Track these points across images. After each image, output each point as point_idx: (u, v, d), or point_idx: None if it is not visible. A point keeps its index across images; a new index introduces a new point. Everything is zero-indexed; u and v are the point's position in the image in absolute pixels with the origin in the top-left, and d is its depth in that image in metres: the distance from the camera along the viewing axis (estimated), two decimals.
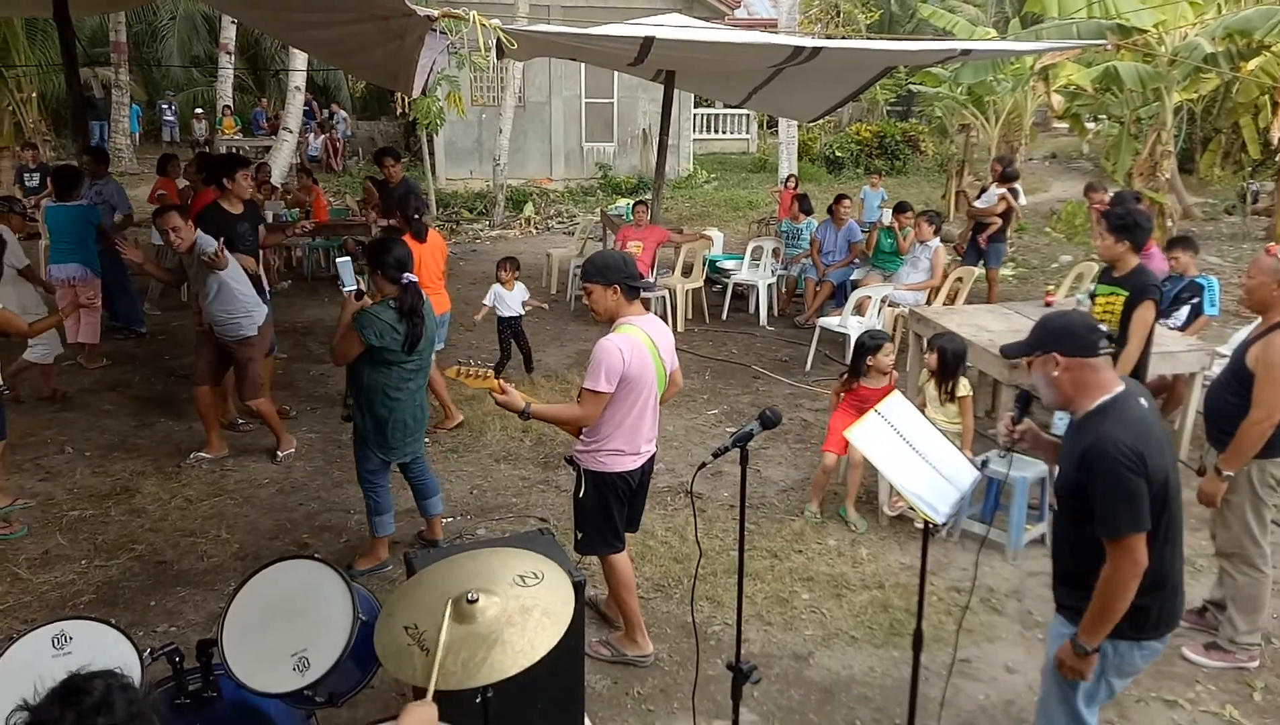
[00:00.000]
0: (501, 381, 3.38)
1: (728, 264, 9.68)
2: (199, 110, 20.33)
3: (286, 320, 8.60)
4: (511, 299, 7.12)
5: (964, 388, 4.79)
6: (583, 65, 16.13)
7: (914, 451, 2.89)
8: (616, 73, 16.55)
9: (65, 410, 6.31)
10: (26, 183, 11.63)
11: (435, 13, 4.76)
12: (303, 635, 2.47)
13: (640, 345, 3.40)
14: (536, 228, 14.48)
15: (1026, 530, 4.68)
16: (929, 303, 7.65)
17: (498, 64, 15.65)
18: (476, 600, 2.25)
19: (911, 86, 18.07)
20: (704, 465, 2.81)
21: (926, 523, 2.89)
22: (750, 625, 3.97)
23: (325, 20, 5.43)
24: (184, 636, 3.74)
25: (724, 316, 9.11)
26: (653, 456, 3.68)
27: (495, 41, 5.39)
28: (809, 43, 6.72)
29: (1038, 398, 2.73)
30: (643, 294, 3.60)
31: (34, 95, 16.14)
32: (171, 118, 21.37)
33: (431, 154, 15.60)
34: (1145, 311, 4.34)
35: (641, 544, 4.64)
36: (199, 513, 4.94)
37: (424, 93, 11.55)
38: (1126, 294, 4.39)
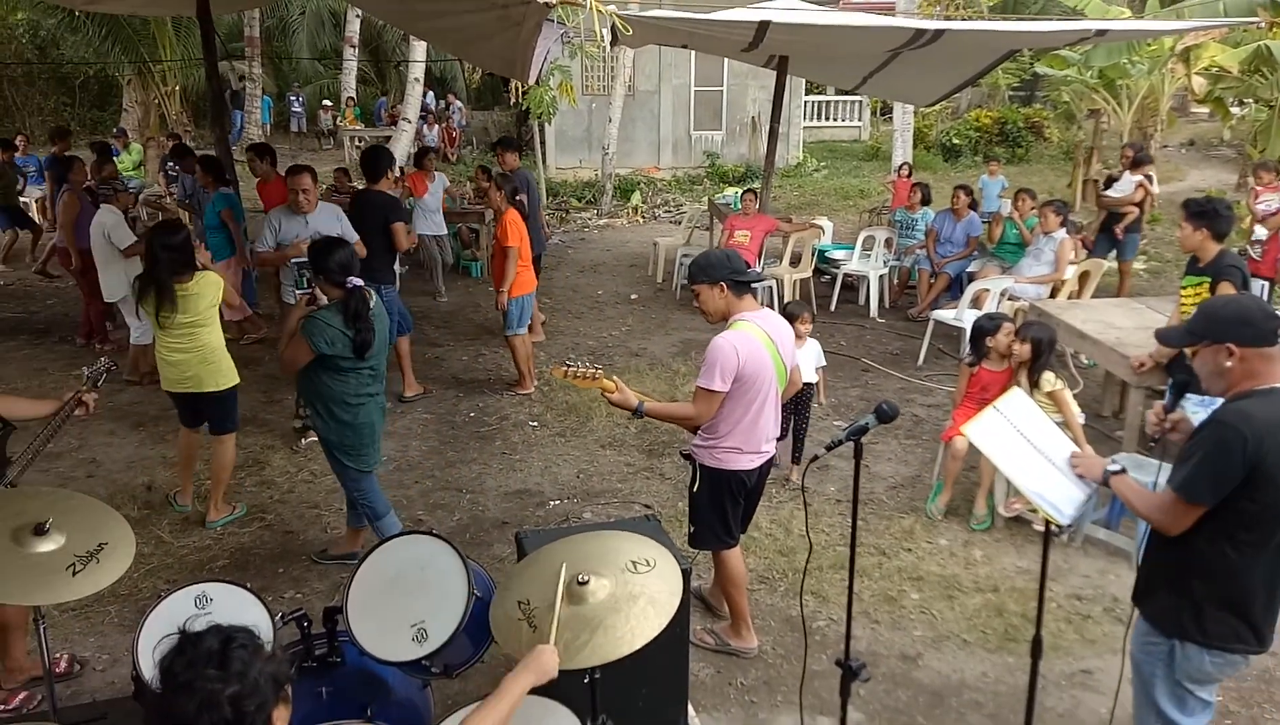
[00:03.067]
0: (616, 380, 3.35)
1: (837, 254, 9.49)
2: (325, 102, 21.23)
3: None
4: (806, 357, 5.27)
5: (1049, 381, 4.56)
6: (692, 53, 16.07)
7: (1036, 449, 2.77)
8: (726, 60, 16.43)
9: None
10: (169, 172, 12.40)
11: (553, 0, 4.82)
12: (421, 607, 2.56)
13: (756, 342, 3.32)
14: (643, 217, 14.54)
15: None
16: (1052, 297, 7.31)
17: (608, 53, 15.78)
18: (587, 582, 2.29)
19: (1037, 70, 17.21)
20: (816, 458, 2.77)
21: (1048, 525, 2.77)
22: (857, 623, 3.89)
23: (448, 9, 5.57)
24: (309, 603, 3.94)
25: (832, 307, 8.94)
26: (772, 458, 3.61)
27: (610, 27, 5.42)
28: (932, 25, 6.50)
29: (1196, 386, 2.58)
30: (754, 286, 3.55)
31: (177, 89, 17.19)
32: (299, 109, 22.39)
33: (542, 143, 15.85)
34: (1224, 291, 4.19)
35: (746, 535, 4.58)
36: (322, 486, 5.18)
37: (537, 82, 11.78)
38: (1209, 281, 4.31)
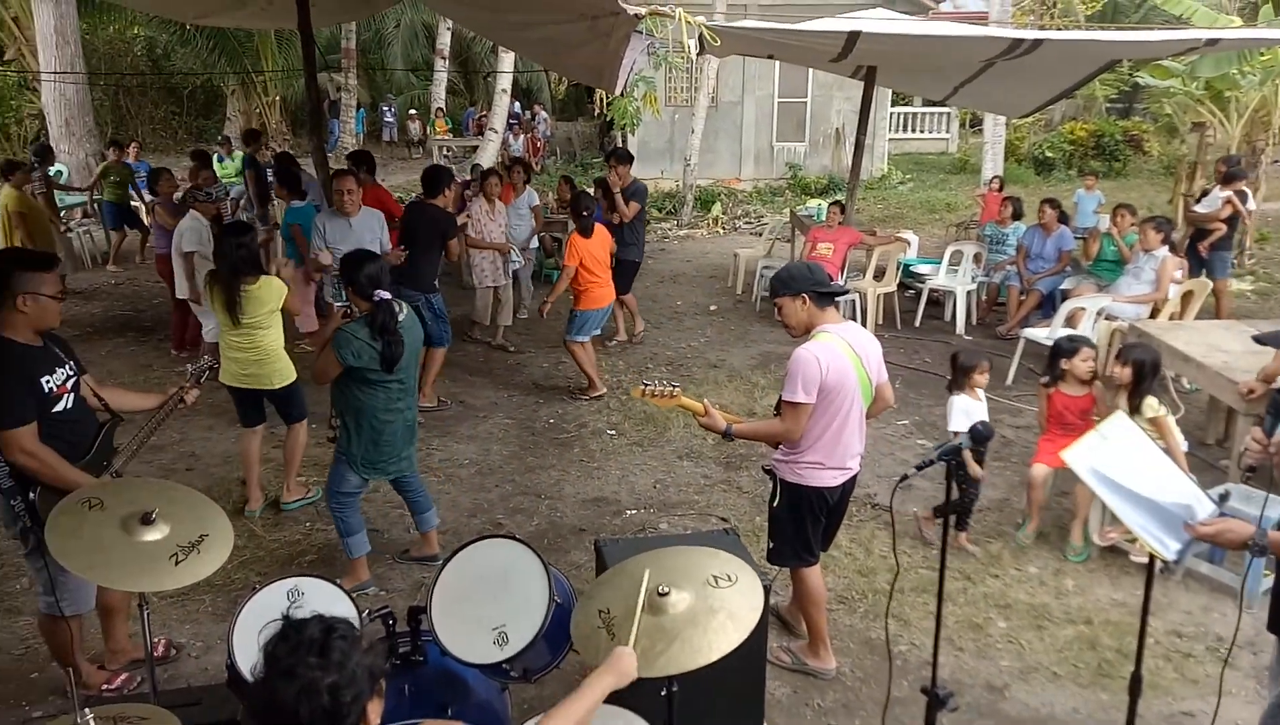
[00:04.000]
0: (706, 402, 3.35)
1: (923, 268, 9.29)
2: (413, 112, 21.82)
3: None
4: (975, 411, 4.67)
5: (1152, 407, 4.33)
6: (777, 64, 15.98)
7: (1140, 478, 2.64)
8: (812, 71, 16.28)
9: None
10: (268, 179, 12.89)
11: (643, 10, 4.86)
12: (502, 611, 2.58)
13: (839, 353, 3.25)
14: (723, 228, 14.49)
15: (1266, 575, 4.17)
16: (1152, 317, 7.00)
17: (693, 64, 15.81)
18: (668, 594, 2.29)
19: (1138, 80, 16.54)
20: (905, 478, 2.70)
21: (1151, 558, 2.64)
22: (940, 649, 3.78)
23: (538, 20, 5.67)
24: (391, 601, 4.02)
25: (917, 323, 8.75)
26: (855, 475, 3.51)
27: (698, 38, 5.44)
28: (1030, 35, 6.32)
29: None
30: (838, 298, 3.48)
31: (277, 99, 17.91)
32: (391, 119, 23.08)
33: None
34: None
35: (825, 554, 4.52)
36: None
37: (622, 93, 11.88)
38: None
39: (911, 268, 9.39)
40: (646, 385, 3.34)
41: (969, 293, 8.64)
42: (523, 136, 21.10)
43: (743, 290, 10.01)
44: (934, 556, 4.51)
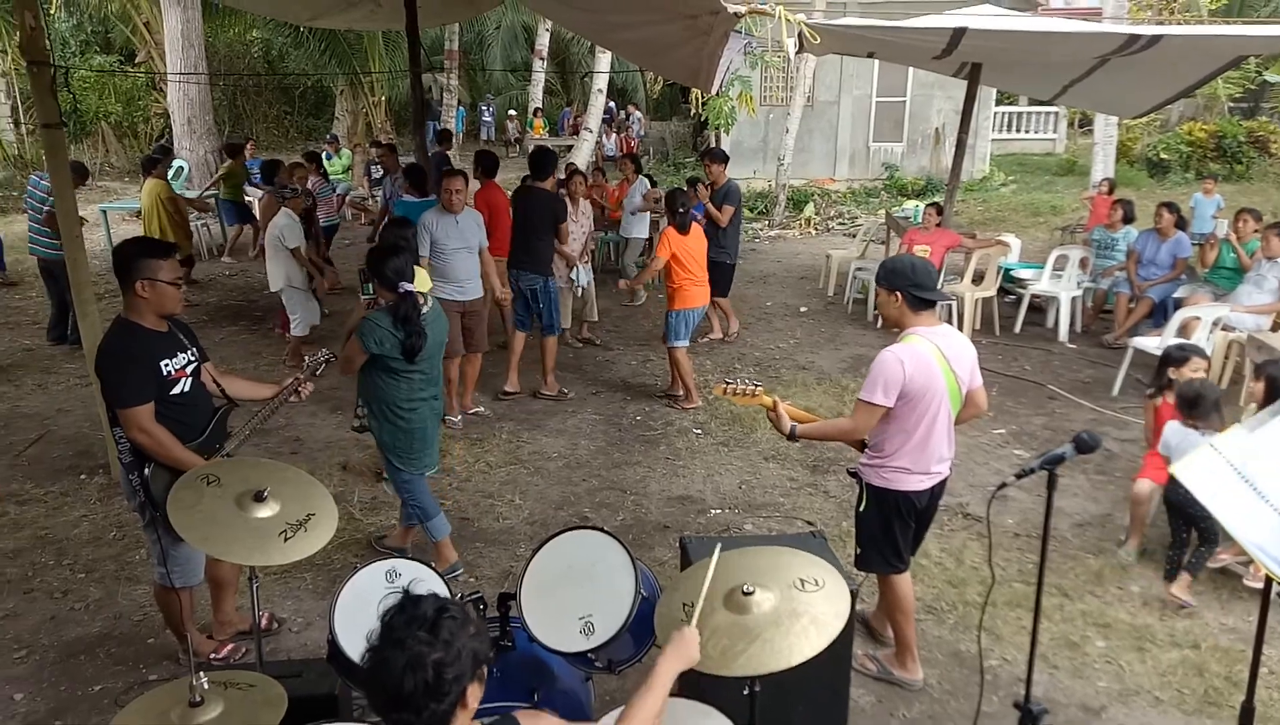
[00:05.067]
0: (777, 399, 3.35)
1: (1025, 273, 8.98)
2: (512, 112, 22.24)
3: (574, 308, 9.19)
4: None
5: None
6: (875, 63, 15.68)
7: (1259, 495, 2.50)
8: (911, 69, 15.92)
9: None
10: (372, 176, 13.37)
11: (743, 9, 4.85)
12: (589, 602, 2.62)
13: (925, 357, 3.19)
14: (816, 228, 14.31)
15: None
16: (1275, 329, 6.60)
17: (789, 63, 15.66)
18: (752, 593, 2.29)
19: (1266, 78, 15.60)
20: (1004, 486, 2.62)
21: (1269, 581, 2.49)
22: (1034, 665, 3.67)
23: (638, 20, 5.71)
24: (479, 587, 4.13)
25: (1017, 329, 8.46)
26: (944, 480, 3.44)
27: (797, 36, 5.40)
28: (1148, 30, 6.04)
29: None
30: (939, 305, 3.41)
31: (383, 99, 18.53)
32: (489, 119, 23.60)
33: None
34: None
35: (914, 563, 4.42)
36: (497, 478, 5.43)
37: (717, 93, 11.86)
38: None
39: (1012, 272, 9.09)
40: (729, 383, 3.35)
41: (1074, 299, 8.31)
42: (615, 136, 21.29)
43: (834, 292, 9.87)
44: (1029, 570, 4.37)
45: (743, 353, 7.90)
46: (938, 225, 8.39)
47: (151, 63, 17.79)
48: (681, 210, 6.34)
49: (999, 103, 19.52)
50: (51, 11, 16.11)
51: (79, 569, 4.37)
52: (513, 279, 6.53)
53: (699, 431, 6.19)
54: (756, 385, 3.33)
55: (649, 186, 9.47)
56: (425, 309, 3.96)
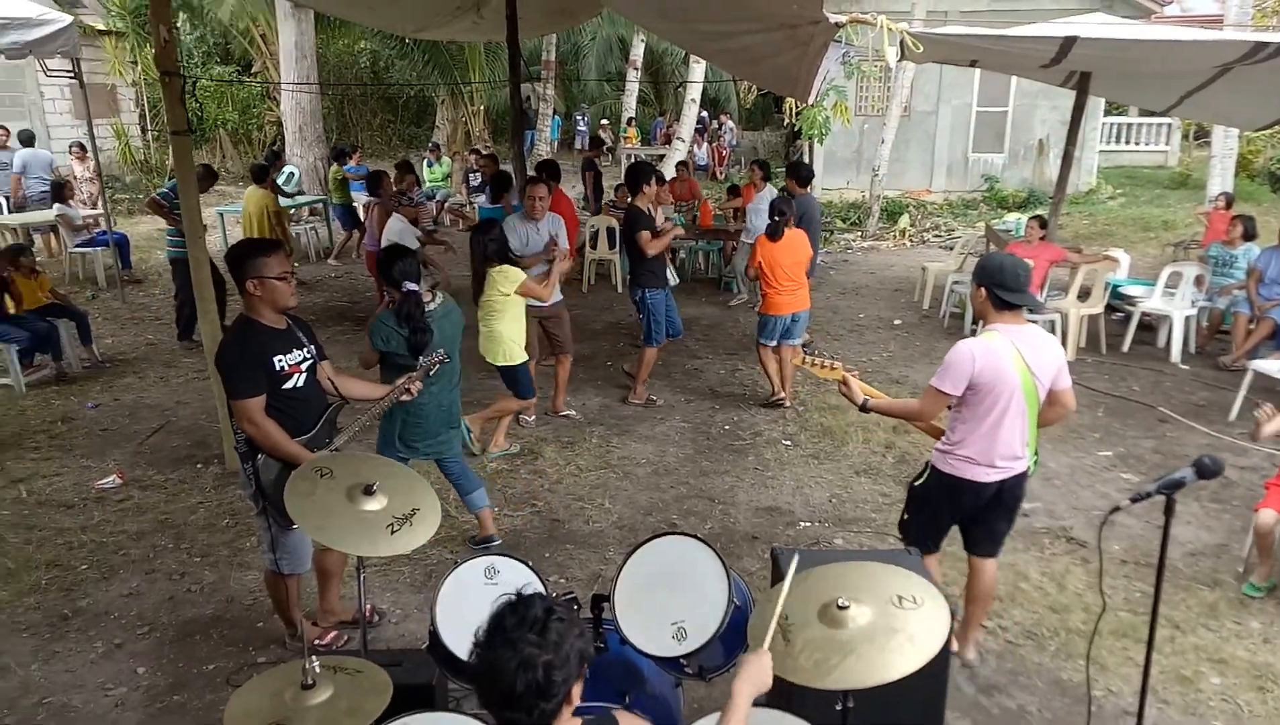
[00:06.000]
0: (850, 374, 3.54)
1: (1134, 290, 8.60)
2: (604, 121, 22.51)
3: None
4: None
5: None
6: (977, 72, 15.28)
7: None
8: (1014, 78, 15.46)
9: (489, 377, 7.33)
10: (471, 183, 13.72)
11: (843, 19, 4.81)
12: (682, 607, 2.64)
13: (997, 353, 3.25)
14: (911, 240, 14.03)
15: None
16: None
17: (887, 72, 15.41)
18: (847, 608, 2.26)
19: None
20: (1117, 510, 2.52)
21: None
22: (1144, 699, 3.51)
23: (736, 30, 5.71)
24: (570, 588, 4.18)
25: (1125, 348, 8.11)
26: (1016, 478, 3.42)
27: (899, 44, 5.32)
28: (1276, 38, 5.73)
29: None
30: (1027, 315, 3.40)
31: (481, 108, 19.01)
32: (583, 128, 23.91)
33: (810, 163, 15.75)
34: None
35: (1012, 585, 4.31)
36: (587, 481, 5.50)
37: (812, 102, 11.76)
38: None
39: (1121, 289, 8.72)
40: (810, 354, 3.54)
41: (1188, 318, 7.93)
42: (707, 145, 21.30)
43: (930, 305, 9.65)
44: (1136, 599, 4.19)
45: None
46: (1041, 239, 8.12)
47: (267, 73, 18.69)
48: (776, 218, 6.43)
49: (1108, 113, 18.79)
50: (179, 25, 17.11)
51: (195, 553, 4.61)
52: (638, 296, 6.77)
53: (788, 443, 6.14)
54: (836, 359, 3.56)
55: (775, 193, 9.46)
56: (433, 306, 4.13)
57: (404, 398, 3.67)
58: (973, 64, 9.49)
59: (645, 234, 6.51)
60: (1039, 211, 11.01)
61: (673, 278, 7.95)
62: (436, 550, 4.60)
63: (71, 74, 9.03)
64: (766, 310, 6.55)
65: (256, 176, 9.41)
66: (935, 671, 2.97)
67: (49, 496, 5.24)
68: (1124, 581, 4.38)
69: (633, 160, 10.12)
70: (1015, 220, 10.94)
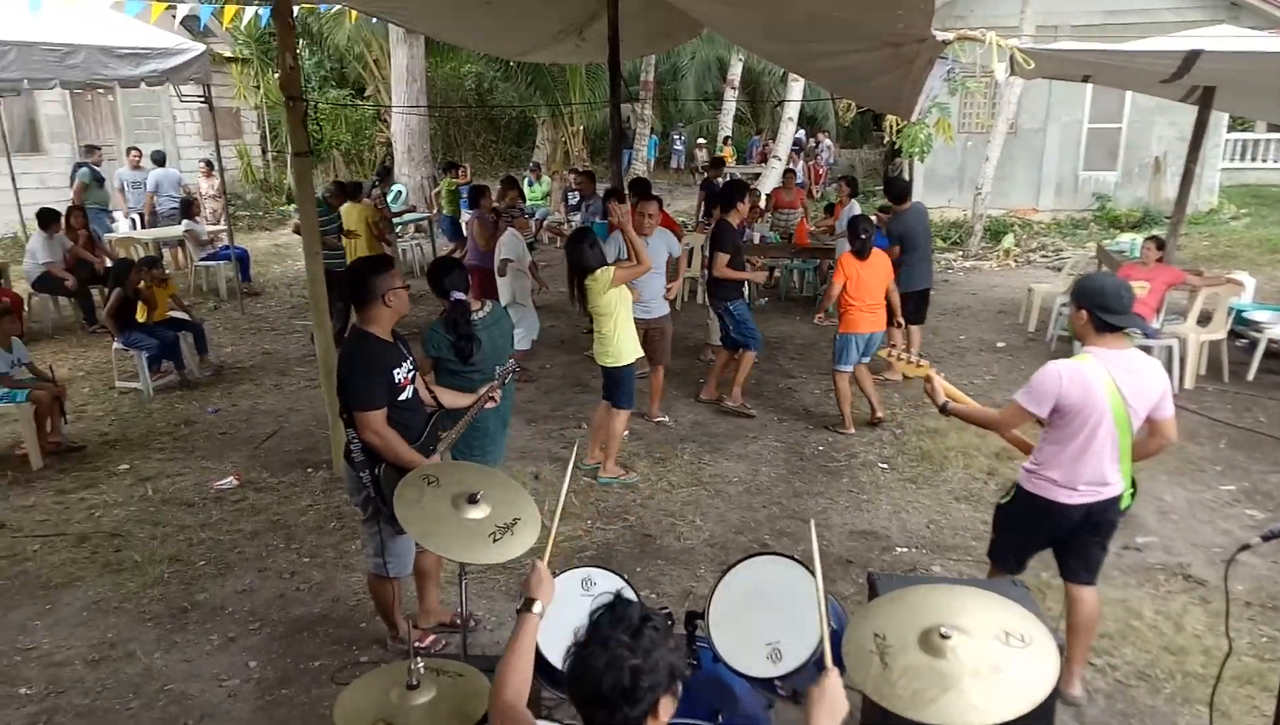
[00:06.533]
0: (935, 373, 3.58)
1: (1261, 315, 8.11)
2: (701, 140, 22.61)
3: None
4: None
5: None
6: (1088, 87, 14.74)
7: None
8: (1129, 94, 14.85)
9: (584, 391, 7.47)
10: (569, 201, 13.99)
11: (951, 36, 4.72)
12: (777, 628, 2.62)
13: (1087, 376, 3.18)
14: (1015, 261, 13.58)
15: None
16: None
17: (993, 89, 15.02)
18: (949, 638, 2.19)
19: None
20: (1246, 548, 2.39)
21: None
22: None
23: (839, 49, 5.68)
24: (660, 605, 4.20)
25: (1250, 377, 7.65)
26: (1104, 503, 3.32)
27: (1009, 60, 5.19)
28: None
29: None
30: (1139, 340, 3.29)
31: (580, 128, 19.39)
32: (680, 147, 24.11)
33: (910, 181, 15.47)
34: None
35: (1124, 622, 4.11)
36: (679, 497, 5.51)
37: (914, 120, 11.56)
38: None
39: (1246, 314, 8.24)
40: (895, 347, 3.64)
41: None
42: (804, 163, 21.14)
43: (1035, 328, 9.32)
44: (1263, 644, 3.95)
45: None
46: (1158, 260, 7.75)
47: (379, 96, 19.51)
48: (863, 236, 6.39)
49: (1231, 129, 17.83)
50: (301, 52, 18.07)
51: (304, 553, 4.83)
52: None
53: (884, 466, 6.02)
54: (925, 359, 3.65)
55: (858, 209, 9.47)
56: (480, 315, 4.32)
57: (488, 405, 3.87)
58: (1086, 79, 9.17)
59: (722, 257, 6.65)
60: (1155, 232, 10.51)
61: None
62: (530, 559, 4.67)
63: (202, 98, 9.64)
64: (846, 329, 6.44)
65: (352, 193, 9.83)
66: (1041, 709, 2.86)
67: (172, 495, 5.57)
68: (1249, 624, 4.13)
69: (728, 178, 10.17)
70: (1129, 241, 10.47)
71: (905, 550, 4.92)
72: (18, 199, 11.08)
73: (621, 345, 5.51)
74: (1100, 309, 3.19)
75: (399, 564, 3.69)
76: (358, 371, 3.42)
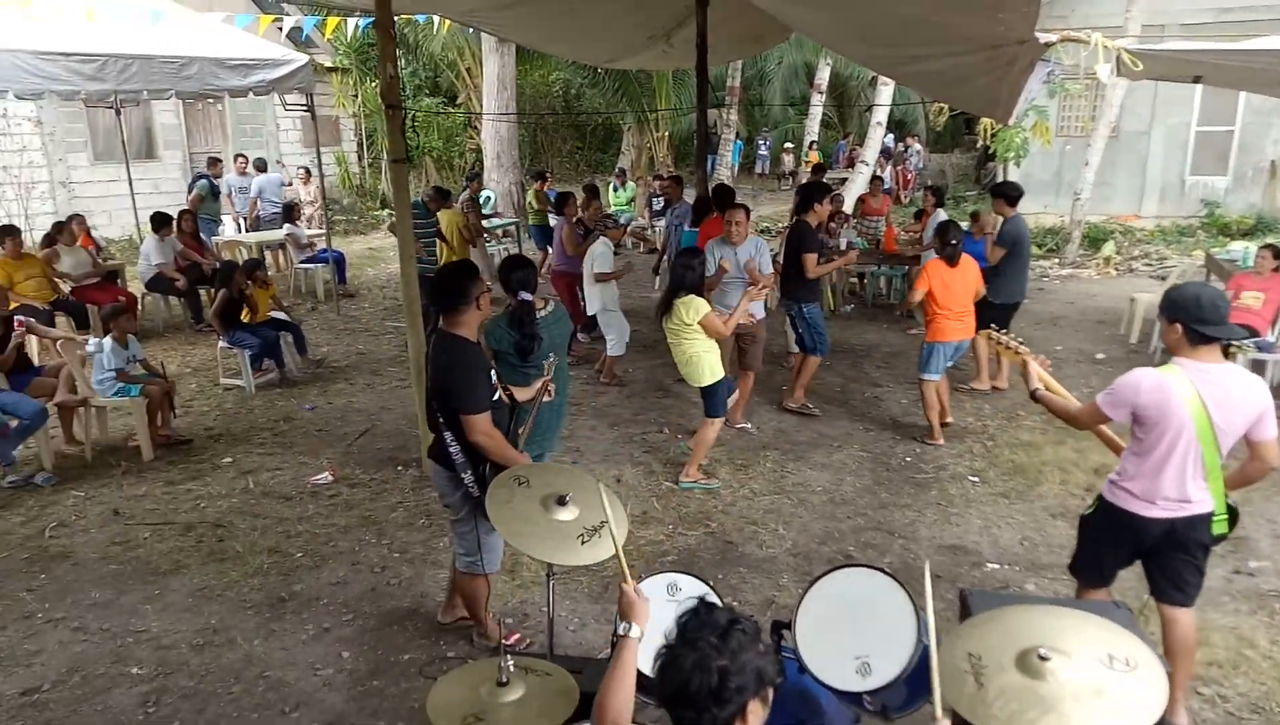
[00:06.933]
0: (1032, 359, 3.60)
1: None
2: (788, 145, 22.42)
3: (845, 342, 9.05)
4: None
5: None
6: (1197, 88, 14.05)
7: None
8: (1242, 95, 14.10)
9: (666, 395, 7.49)
10: (653, 207, 14.05)
11: (1054, 38, 4.57)
12: (867, 642, 2.57)
13: (1169, 388, 3.10)
14: (1116, 269, 13.04)
15: None
16: None
17: (1093, 91, 14.47)
18: (1048, 659, 2.12)
19: None
20: None
21: None
22: None
23: (936, 53, 5.55)
24: (751, 614, 4.16)
25: None
26: (1189, 521, 3.21)
27: (1115, 60, 4.99)
28: None
29: None
30: (1251, 354, 3.15)
31: (666, 134, 19.47)
32: (765, 152, 23.95)
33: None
34: None
35: (1235, 651, 3.90)
36: (761, 505, 5.47)
37: (1010, 124, 11.23)
38: None
39: None
40: (999, 330, 3.64)
41: None
42: (890, 168, 20.74)
43: (1138, 339, 8.93)
44: None
45: (1026, 401, 7.35)
46: (1275, 270, 7.33)
47: (470, 103, 19.97)
48: (953, 242, 6.27)
49: None
50: (400, 62, 18.67)
51: (394, 549, 4.96)
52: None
53: (975, 479, 5.86)
54: (1025, 345, 3.67)
55: (944, 216, 9.28)
56: (544, 313, 4.48)
57: (546, 398, 4.08)
58: (1196, 80, 8.74)
59: (811, 257, 6.59)
60: (1270, 240, 9.94)
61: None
62: (614, 562, 4.69)
63: (305, 107, 10.03)
64: (935, 337, 6.31)
65: (443, 199, 10.08)
66: None
67: (271, 488, 5.80)
68: None
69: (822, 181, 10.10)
70: (1242, 249, 9.91)
71: (997, 567, 4.77)
72: (134, 203, 11.71)
73: (707, 364, 5.53)
74: (1198, 321, 3.08)
75: (493, 559, 3.79)
76: (465, 375, 3.50)
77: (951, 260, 6.26)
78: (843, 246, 10.51)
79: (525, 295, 4.34)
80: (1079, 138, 15.31)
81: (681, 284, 5.43)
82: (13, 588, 4.62)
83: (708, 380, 5.55)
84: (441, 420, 3.56)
